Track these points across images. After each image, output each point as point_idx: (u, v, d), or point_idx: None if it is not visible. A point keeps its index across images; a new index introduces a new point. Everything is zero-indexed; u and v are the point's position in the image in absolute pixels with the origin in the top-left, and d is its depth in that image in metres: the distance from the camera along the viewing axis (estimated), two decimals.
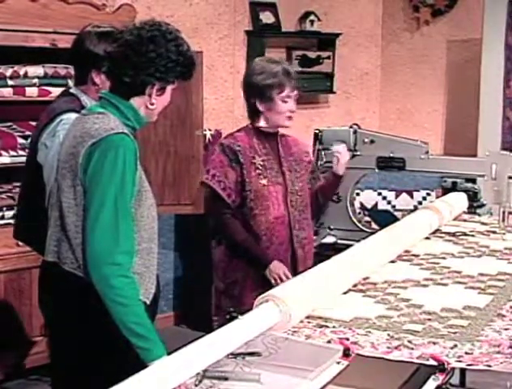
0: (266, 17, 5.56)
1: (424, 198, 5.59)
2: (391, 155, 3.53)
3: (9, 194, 3.90)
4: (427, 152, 3.51)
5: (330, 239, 3.60)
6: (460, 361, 1.72)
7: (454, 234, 3.01)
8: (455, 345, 1.80)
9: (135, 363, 1.93)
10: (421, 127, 6.21)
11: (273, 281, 2.88)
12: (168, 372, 1.48)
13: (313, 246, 3.22)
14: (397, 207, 5.46)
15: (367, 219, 4.05)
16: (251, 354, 1.76)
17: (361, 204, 5.14)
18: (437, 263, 2.56)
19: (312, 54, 5.81)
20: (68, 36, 2.86)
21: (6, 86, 3.84)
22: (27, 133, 3.81)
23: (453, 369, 1.74)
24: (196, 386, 1.62)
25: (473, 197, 3.45)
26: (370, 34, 6.37)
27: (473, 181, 3.48)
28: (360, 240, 2.70)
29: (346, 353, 1.76)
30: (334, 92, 6.08)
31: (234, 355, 1.73)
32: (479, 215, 3.42)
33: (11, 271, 3.82)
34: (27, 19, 3.77)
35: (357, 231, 3.60)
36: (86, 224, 2.08)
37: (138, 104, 2.20)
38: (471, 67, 5.69)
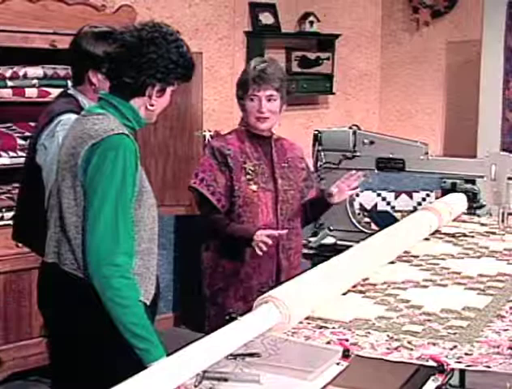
0: (266, 18, 5.56)
1: (424, 199, 5.58)
2: (391, 156, 3.52)
3: (8, 195, 3.89)
4: (426, 153, 3.50)
5: (329, 240, 3.60)
6: (460, 362, 1.72)
7: (453, 235, 3.02)
8: (455, 346, 1.81)
9: (135, 364, 1.93)
10: (421, 128, 6.22)
11: (259, 251, 2.75)
12: (167, 373, 1.48)
13: (301, 255, 3.11)
14: (396, 208, 5.44)
15: (366, 220, 4.04)
16: (251, 355, 1.76)
17: (361, 205, 5.13)
18: (437, 264, 2.56)
19: (311, 55, 5.80)
20: (68, 37, 2.85)
21: (6, 87, 3.83)
22: (27, 134, 3.81)
23: (452, 370, 1.74)
24: (196, 387, 1.62)
25: (473, 198, 3.45)
26: (370, 35, 6.37)
27: (472, 182, 3.48)
28: (360, 241, 2.70)
29: (345, 354, 1.77)
30: (334, 93, 6.07)
31: (234, 356, 1.73)
32: (478, 216, 3.42)
33: (11, 272, 3.81)
34: (26, 20, 3.77)
35: (357, 232, 3.60)
36: (86, 224, 2.08)
37: (137, 105, 2.20)
38: (471, 68, 5.69)
